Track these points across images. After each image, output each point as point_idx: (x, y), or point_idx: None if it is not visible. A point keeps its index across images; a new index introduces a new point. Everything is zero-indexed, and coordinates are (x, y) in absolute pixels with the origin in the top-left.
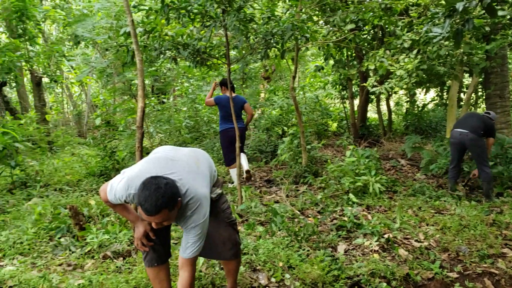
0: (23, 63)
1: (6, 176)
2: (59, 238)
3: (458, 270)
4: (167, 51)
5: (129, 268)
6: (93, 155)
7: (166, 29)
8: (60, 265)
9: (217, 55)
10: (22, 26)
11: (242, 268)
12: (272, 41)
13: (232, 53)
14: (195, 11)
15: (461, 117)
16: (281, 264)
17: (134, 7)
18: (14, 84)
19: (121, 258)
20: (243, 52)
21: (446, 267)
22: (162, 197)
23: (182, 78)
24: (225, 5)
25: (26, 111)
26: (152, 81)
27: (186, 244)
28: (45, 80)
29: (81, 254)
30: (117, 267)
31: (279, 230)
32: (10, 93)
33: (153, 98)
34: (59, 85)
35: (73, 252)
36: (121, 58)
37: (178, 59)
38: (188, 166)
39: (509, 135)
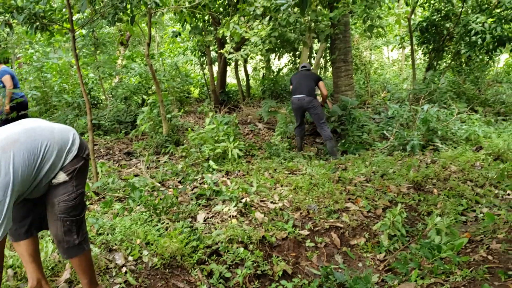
0: None
1: None
2: None
3: (309, 227)
4: None
5: None
6: None
7: None
8: None
9: (59, 21)
10: None
11: (97, 250)
12: (121, 6)
13: (84, 16)
14: None
15: (296, 81)
16: (138, 241)
17: None
18: None
19: None
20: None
21: (298, 226)
22: None
23: (25, 44)
24: None
25: None
26: None
27: None
28: None
29: None
30: None
31: (138, 206)
32: None
33: None
34: None
35: None
36: None
37: (14, 24)
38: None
39: (352, 97)
